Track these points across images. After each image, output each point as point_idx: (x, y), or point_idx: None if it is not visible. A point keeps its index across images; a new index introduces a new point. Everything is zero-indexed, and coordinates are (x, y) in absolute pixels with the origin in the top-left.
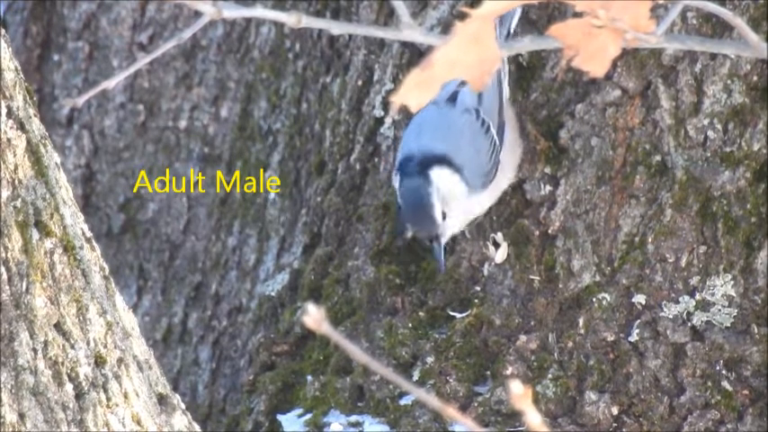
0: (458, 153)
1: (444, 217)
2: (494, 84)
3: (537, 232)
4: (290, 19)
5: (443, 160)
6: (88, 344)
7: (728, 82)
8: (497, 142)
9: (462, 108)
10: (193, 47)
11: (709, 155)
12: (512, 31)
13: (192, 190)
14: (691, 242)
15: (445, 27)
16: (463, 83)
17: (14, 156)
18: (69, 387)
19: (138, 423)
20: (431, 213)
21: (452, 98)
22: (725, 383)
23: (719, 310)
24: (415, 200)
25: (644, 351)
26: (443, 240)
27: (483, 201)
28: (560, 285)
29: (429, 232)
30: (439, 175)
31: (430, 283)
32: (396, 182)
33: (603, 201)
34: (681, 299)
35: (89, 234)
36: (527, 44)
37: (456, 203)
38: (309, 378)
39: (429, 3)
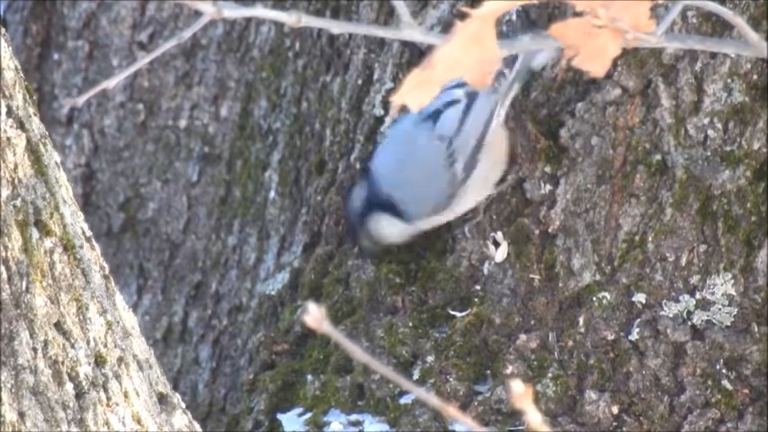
0: (407, 190)
1: (369, 248)
2: (483, 115)
3: (537, 231)
4: (290, 18)
5: (387, 206)
6: (88, 343)
7: (729, 81)
8: (459, 177)
9: (438, 133)
10: (193, 46)
11: (709, 154)
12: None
13: (191, 189)
14: (691, 241)
15: (445, 26)
16: (449, 104)
17: (14, 155)
18: (69, 386)
19: (139, 422)
20: (354, 237)
21: (435, 115)
22: (725, 382)
23: (720, 308)
24: (348, 223)
25: (644, 350)
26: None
27: (426, 224)
28: (560, 284)
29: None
30: (377, 220)
31: (430, 282)
32: (356, 186)
33: (604, 200)
34: (681, 298)
35: (89, 233)
36: (527, 44)
37: (389, 237)
38: (310, 377)
39: (429, 2)
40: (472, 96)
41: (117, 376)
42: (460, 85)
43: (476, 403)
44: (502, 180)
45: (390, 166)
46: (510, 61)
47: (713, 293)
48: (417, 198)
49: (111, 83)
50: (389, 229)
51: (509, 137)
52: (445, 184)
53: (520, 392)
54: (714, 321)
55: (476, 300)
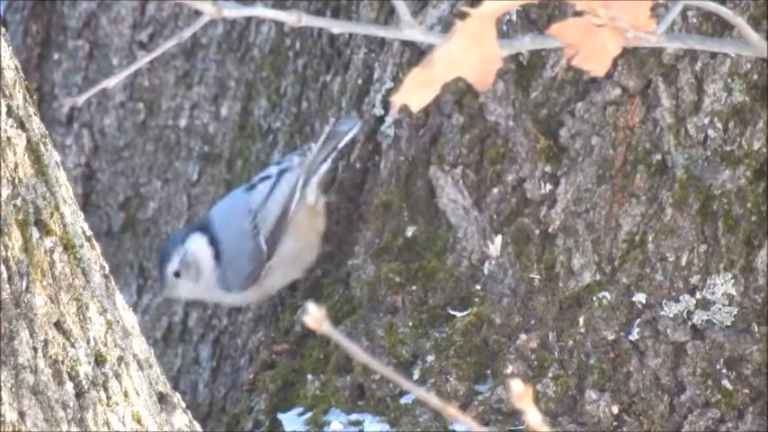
0: (226, 239)
1: (178, 275)
2: (281, 192)
3: (537, 231)
4: (291, 18)
5: (205, 230)
6: (88, 342)
7: (729, 81)
8: (264, 250)
9: (249, 205)
10: (194, 45)
11: (709, 154)
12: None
13: (191, 189)
14: (691, 241)
15: (446, 26)
16: (263, 178)
17: (14, 154)
18: (69, 386)
19: (139, 422)
20: (164, 267)
21: (252, 188)
22: (725, 382)
23: (720, 308)
24: (163, 252)
25: (644, 350)
26: (173, 294)
27: (237, 299)
28: (560, 284)
29: (161, 282)
30: (194, 240)
31: (430, 282)
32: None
33: (604, 199)
34: (681, 298)
35: (89, 233)
36: (527, 43)
37: (199, 273)
38: (310, 377)
39: (429, 2)
40: (280, 174)
41: (117, 376)
42: (278, 162)
43: (476, 403)
44: (311, 269)
45: (222, 222)
46: (318, 136)
47: (713, 293)
48: (234, 261)
49: (111, 82)
50: (203, 257)
51: (324, 221)
52: (248, 254)
53: (520, 392)
54: (714, 321)
55: (476, 300)
